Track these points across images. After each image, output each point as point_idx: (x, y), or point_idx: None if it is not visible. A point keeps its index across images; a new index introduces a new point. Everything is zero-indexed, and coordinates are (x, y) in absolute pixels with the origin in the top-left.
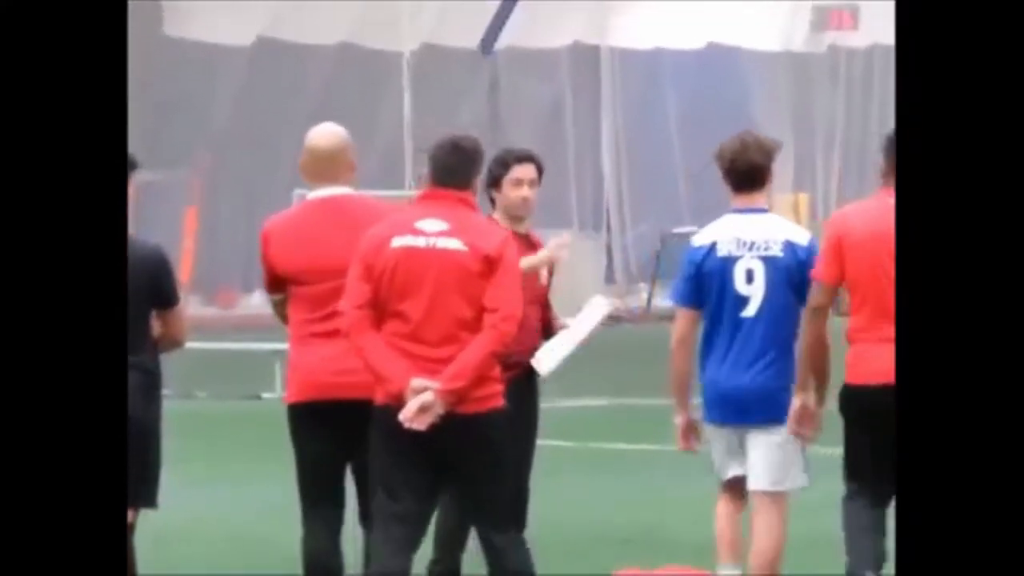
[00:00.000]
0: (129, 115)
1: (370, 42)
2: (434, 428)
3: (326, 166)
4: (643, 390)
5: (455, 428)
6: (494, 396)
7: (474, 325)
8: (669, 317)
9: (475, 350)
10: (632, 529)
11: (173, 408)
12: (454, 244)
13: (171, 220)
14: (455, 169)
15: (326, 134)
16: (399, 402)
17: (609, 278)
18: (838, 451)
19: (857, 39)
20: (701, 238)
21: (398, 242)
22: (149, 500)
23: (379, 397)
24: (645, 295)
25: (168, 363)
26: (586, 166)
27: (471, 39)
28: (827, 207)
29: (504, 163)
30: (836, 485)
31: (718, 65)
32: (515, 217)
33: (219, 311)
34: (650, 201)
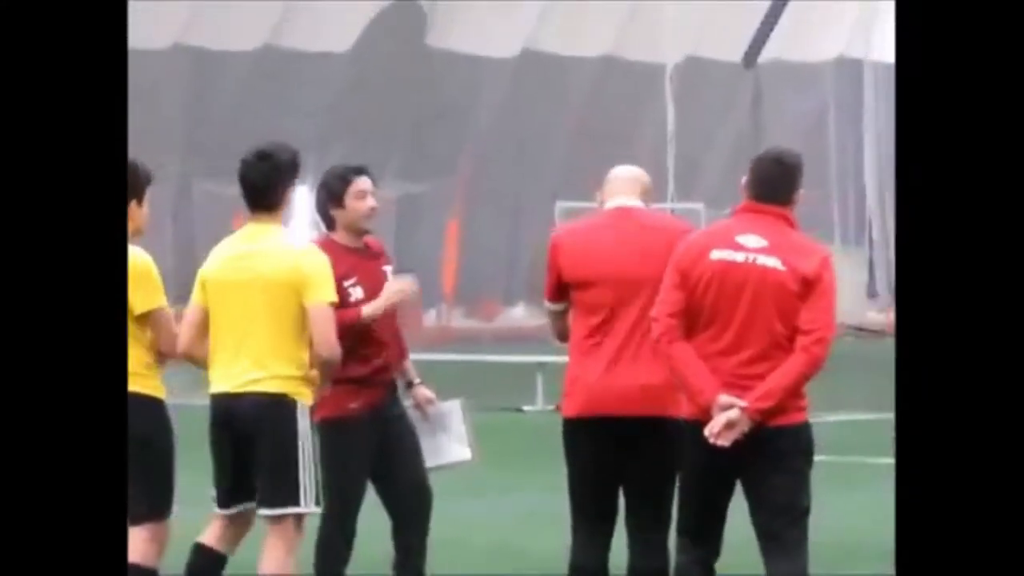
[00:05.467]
0: (392, 126)
1: (633, 54)
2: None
3: (623, 184)
4: None
5: (755, 439)
6: (797, 410)
7: (786, 344)
8: None
9: (787, 371)
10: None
11: None
12: (773, 262)
13: (434, 231)
14: (777, 184)
15: (629, 168)
16: (706, 416)
17: (872, 292)
18: None
19: None
20: None
21: (717, 255)
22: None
23: (686, 410)
24: None
25: (431, 373)
26: (848, 180)
27: (734, 52)
28: None
29: (343, 178)
30: None
31: None
32: (361, 231)
33: (480, 323)
34: None
